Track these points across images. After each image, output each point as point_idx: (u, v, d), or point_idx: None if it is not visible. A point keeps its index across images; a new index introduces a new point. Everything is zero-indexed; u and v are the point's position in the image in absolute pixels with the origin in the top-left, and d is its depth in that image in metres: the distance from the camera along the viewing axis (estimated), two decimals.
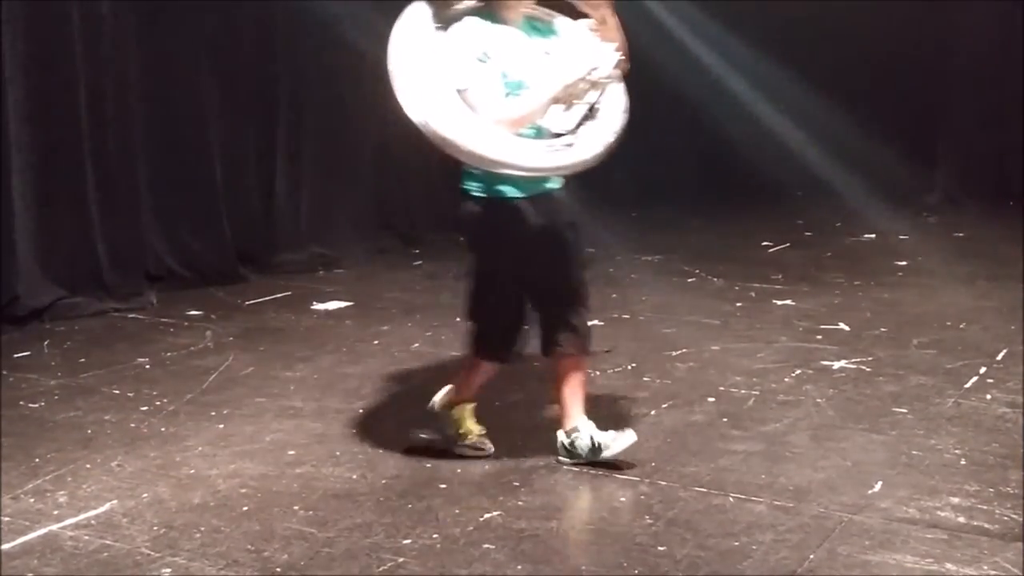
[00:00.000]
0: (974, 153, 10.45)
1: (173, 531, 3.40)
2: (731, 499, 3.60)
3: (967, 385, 4.76)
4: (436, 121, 3.54)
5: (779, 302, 6.42)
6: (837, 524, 3.39)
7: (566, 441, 3.88)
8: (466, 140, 3.53)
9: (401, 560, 3.19)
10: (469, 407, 4.05)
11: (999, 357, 5.20)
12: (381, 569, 3.14)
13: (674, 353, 5.32)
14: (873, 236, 8.59)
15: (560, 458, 3.89)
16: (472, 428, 4.03)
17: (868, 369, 5.02)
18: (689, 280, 7.12)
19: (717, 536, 3.32)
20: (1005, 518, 3.42)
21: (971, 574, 3.07)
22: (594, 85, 3.71)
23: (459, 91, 3.56)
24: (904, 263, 7.53)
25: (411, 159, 8.68)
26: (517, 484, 3.74)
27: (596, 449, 3.81)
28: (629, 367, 5.10)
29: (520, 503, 3.58)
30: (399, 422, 4.37)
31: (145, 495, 3.68)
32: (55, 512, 3.54)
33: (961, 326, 5.78)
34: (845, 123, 10.92)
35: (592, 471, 3.83)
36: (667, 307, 6.33)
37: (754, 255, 7.99)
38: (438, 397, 4.06)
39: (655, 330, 5.82)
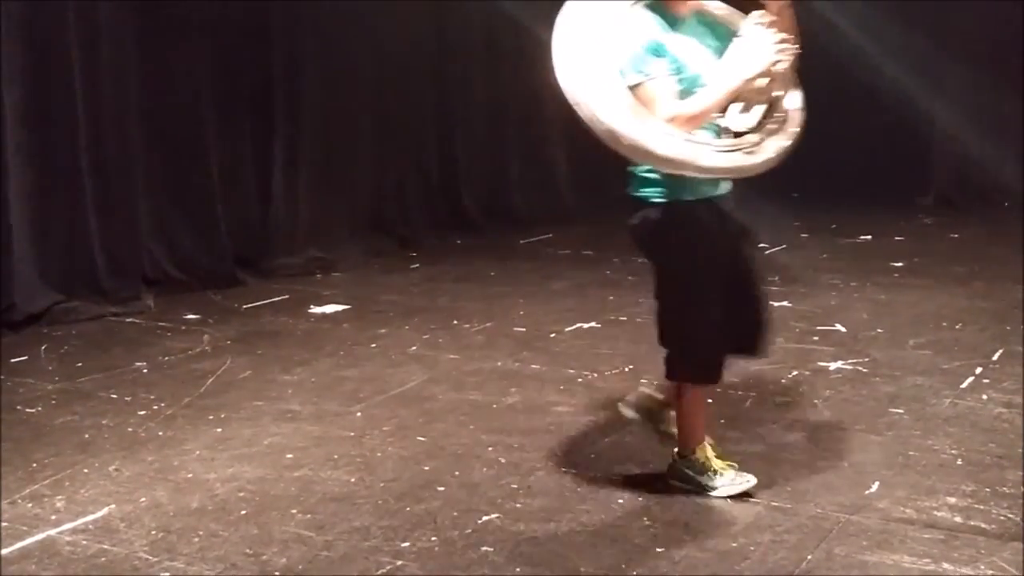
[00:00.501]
0: (969, 154, 10.46)
1: (171, 535, 3.40)
2: (729, 500, 3.60)
3: (963, 385, 4.76)
4: (610, 119, 3.30)
5: (776, 303, 6.41)
6: (834, 525, 3.40)
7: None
8: (644, 139, 3.28)
9: (400, 563, 3.20)
10: (707, 445, 3.71)
11: (995, 357, 5.20)
12: (380, 572, 3.15)
13: None
14: (869, 237, 8.60)
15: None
16: (720, 464, 3.69)
17: (865, 370, 5.03)
18: None
19: (715, 537, 3.33)
20: (1002, 518, 3.42)
21: (968, 574, 3.07)
22: (773, 80, 3.45)
23: (631, 87, 3.33)
24: (900, 264, 7.54)
25: (408, 162, 8.72)
26: (515, 487, 3.74)
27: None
28: (627, 369, 5.11)
29: (518, 505, 3.59)
30: (397, 426, 4.37)
31: (143, 499, 3.68)
32: (53, 517, 3.54)
33: (957, 327, 5.79)
34: (841, 124, 10.93)
35: (591, 473, 3.84)
36: None
37: None
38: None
39: (652, 332, 5.77)
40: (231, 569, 3.18)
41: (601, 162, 11.09)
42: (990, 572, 3.07)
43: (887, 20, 10.00)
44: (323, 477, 3.86)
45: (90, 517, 3.54)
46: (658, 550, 3.25)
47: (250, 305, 6.55)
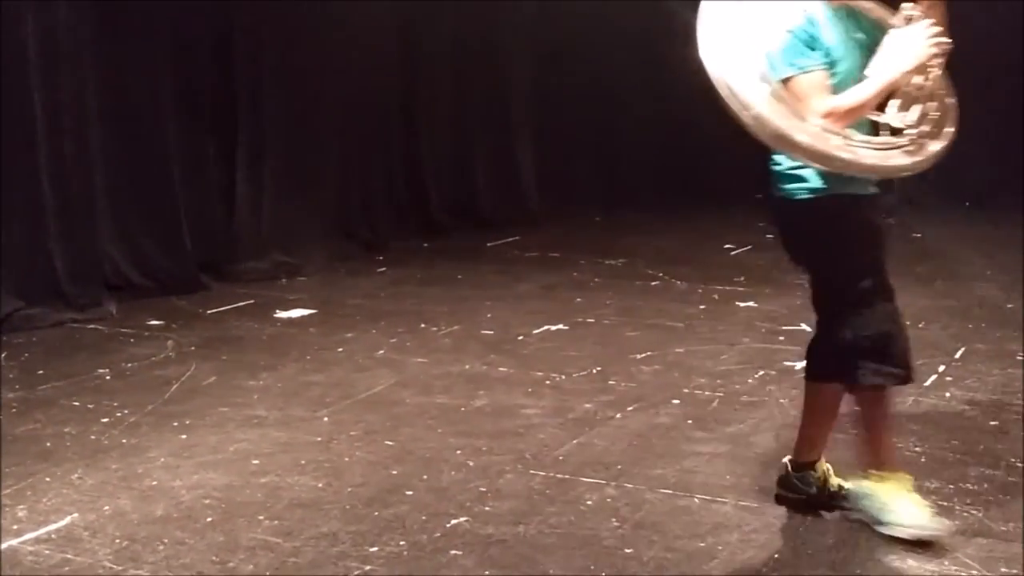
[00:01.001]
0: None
1: (136, 544, 3.37)
2: (697, 500, 3.61)
3: (926, 384, 4.80)
4: (764, 114, 3.18)
5: (742, 304, 6.46)
6: (802, 523, 3.41)
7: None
8: (798, 135, 3.16)
9: (368, 568, 3.18)
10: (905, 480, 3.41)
11: (957, 356, 5.26)
12: None
13: (639, 356, 5.34)
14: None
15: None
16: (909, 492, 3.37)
17: None
18: (653, 283, 7.14)
19: (684, 537, 3.33)
20: (965, 514, 3.45)
21: (933, 569, 3.10)
22: (930, 75, 3.35)
23: (783, 80, 3.21)
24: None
25: (374, 166, 8.70)
26: (484, 490, 3.73)
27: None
28: (594, 371, 5.12)
29: (487, 508, 3.58)
30: (364, 430, 4.35)
31: (107, 508, 3.64)
32: (15, 527, 3.49)
33: (920, 325, 5.83)
34: None
35: (559, 475, 3.84)
36: (631, 310, 6.35)
37: (717, 258, 8.04)
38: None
39: (619, 333, 5.84)
40: None
41: (567, 164, 11.19)
42: (954, 568, 3.10)
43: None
44: (290, 483, 3.83)
45: (53, 526, 3.50)
46: (627, 551, 3.25)
47: (215, 310, 6.51)
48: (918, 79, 3.32)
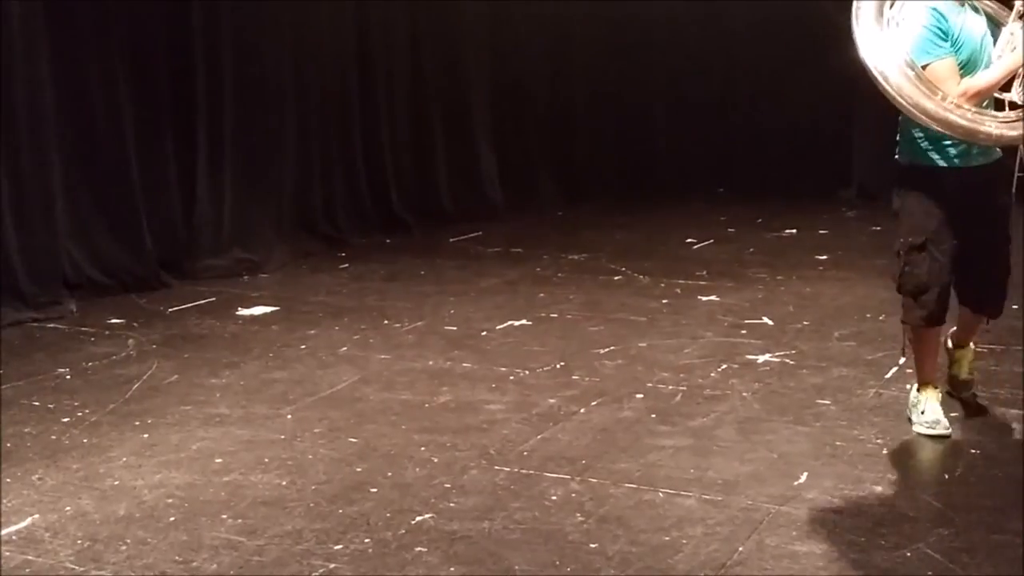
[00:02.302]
0: (889, 148, 10.65)
1: (98, 544, 3.34)
2: (661, 494, 3.63)
3: (887, 376, 4.85)
4: (908, 93, 3.89)
5: (704, 298, 6.49)
6: (765, 516, 3.44)
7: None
8: (935, 110, 3.87)
9: (333, 566, 3.17)
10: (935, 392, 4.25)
11: None
12: (313, 575, 3.12)
13: (602, 351, 5.36)
14: (794, 231, 8.72)
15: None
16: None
17: (792, 362, 5.10)
18: (615, 278, 7.16)
19: (648, 531, 3.35)
20: (927, 505, 3.49)
21: (896, 560, 3.13)
22: None
23: (923, 66, 3.92)
24: (824, 257, 7.66)
25: (335, 162, 8.66)
26: (448, 486, 3.73)
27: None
28: (558, 365, 5.12)
29: (452, 505, 3.58)
30: (328, 427, 4.34)
31: (68, 508, 3.61)
32: None
33: (880, 318, 5.89)
34: (764, 120, 11.08)
35: (523, 471, 3.85)
36: (594, 305, 6.37)
37: (678, 252, 8.07)
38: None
39: (582, 328, 5.85)
40: None
41: (528, 160, 11.18)
42: (917, 558, 3.13)
43: (798, 16, 10.13)
44: (253, 481, 3.81)
45: (13, 527, 3.46)
46: (592, 546, 3.26)
47: (176, 308, 6.45)
48: None
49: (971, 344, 4.51)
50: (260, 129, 7.85)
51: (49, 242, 6.47)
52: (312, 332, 5.85)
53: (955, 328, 4.49)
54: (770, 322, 5.87)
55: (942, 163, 4.05)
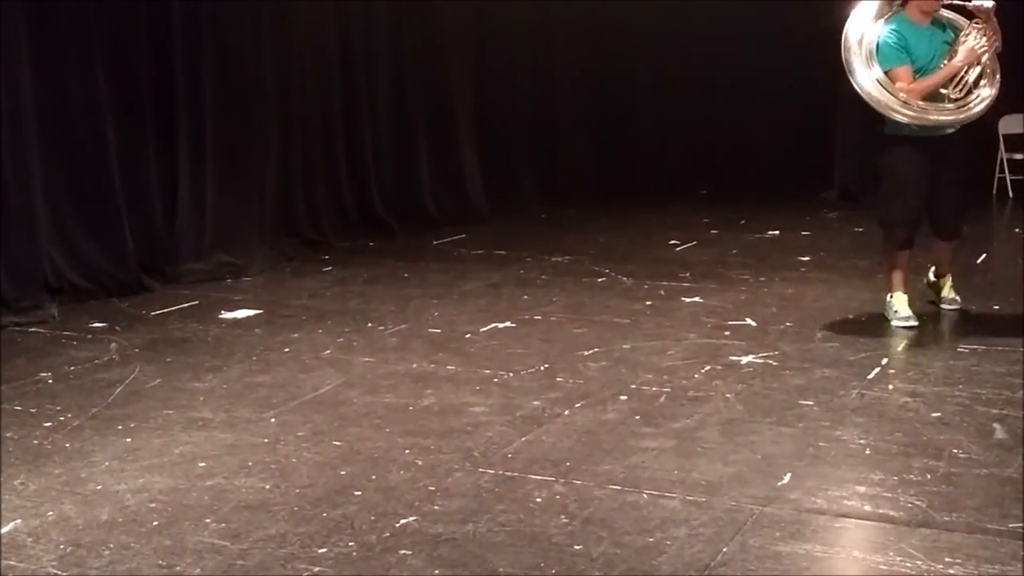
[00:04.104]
0: (870, 149, 10.70)
1: (80, 549, 3.32)
2: (645, 496, 3.63)
3: (870, 376, 4.87)
4: (872, 90, 5.41)
5: (687, 299, 6.51)
6: (748, 517, 3.45)
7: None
8: (889, 102, 5.41)
9: (317, 570, 3.16)
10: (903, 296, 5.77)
11: (899, 348, 5.34)
12: None
13: (586, 353, 5.36)
14: (777, 232, 8.76)
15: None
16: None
17: (775, 363, 5.12)
18: (599, 280, 7.18)
19: (632, 533, 3.35)
20: (909, 505, 3.50)
21: (878, 560, 3.14)
22: (982, 64, 5.44)
23: (886, 71, 5.42)
24: (807, 258, 7.69)
25: (317, 165, 8.65)
26: (432, 489, 3.73)
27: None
28: (541, 368, 5.13)
29: (436, 507, 3.57)
30: (311, 431, 4.33)
31: (50, 513, 3.59)
32: None
33: (863, 319, 5.92)
34: (747, 122, 11.12)
35: (507, 473, 3.85)
36: (577, 307, 6.38)
37: (662, 254, 8.09)
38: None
39: (566, 330, 5.86)
40: None
41: (511, 163, 11.20)
42: (899, 559, 3.14)
43: (789, 20, 10.17)
44: (237, 485, 3.80)
45: None
46: (576, 548, 3.26)
47: (158, 312, 6.44)
48: (976, 66, 5.45)
49: (948, 273, 6.05)
50: (242, 132, 7.84)
51: (30, 246, 6.45)
52: (295, 335, 5.84)
53: (933, 266, 6.07)
54: (753, 323, 5.89)
55: (922, 134, 5.52)
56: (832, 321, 5.87)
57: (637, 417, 4.41)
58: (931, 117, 5.43)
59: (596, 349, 5.42)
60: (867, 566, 3.12)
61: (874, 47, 5.44)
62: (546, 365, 5.17)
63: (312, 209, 8.58)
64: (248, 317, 6.33)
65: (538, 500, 3.62)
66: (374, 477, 3.84)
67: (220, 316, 6.34)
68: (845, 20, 5.55)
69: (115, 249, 6.92)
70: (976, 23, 5.45)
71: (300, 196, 8.46)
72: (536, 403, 4.61)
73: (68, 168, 6.77)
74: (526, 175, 10.76)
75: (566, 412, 4.50)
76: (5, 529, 3.47)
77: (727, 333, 5.68)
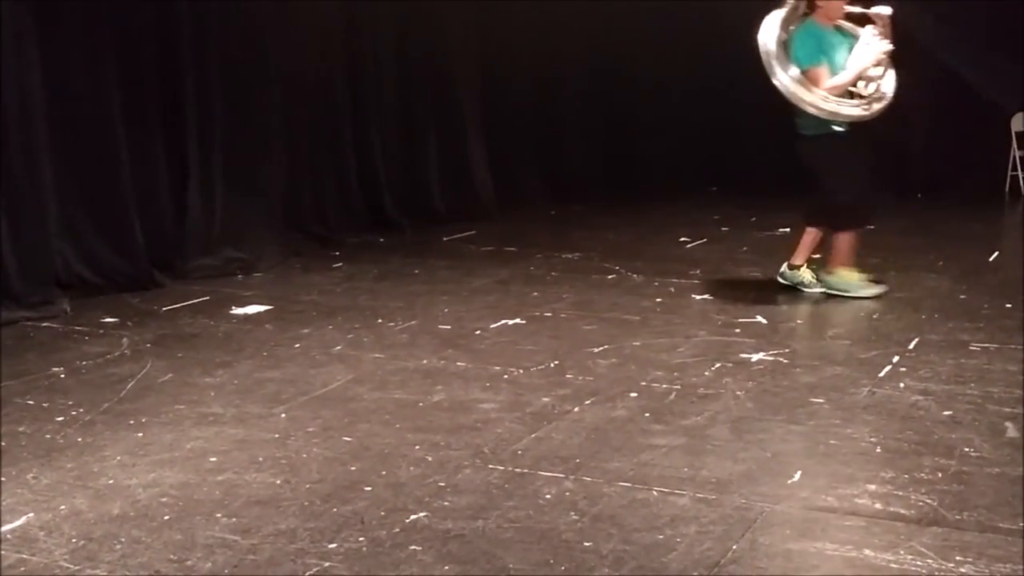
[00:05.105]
0: (878, 147, 10.68)
1: (92, 543, 3.34)
2: (655, 493, 3.63)
3: (881, 374, 4.86)
4: (793, 88, 5.90)
5: (697, 297, 6.51)
6: (758, 515, 3.44)
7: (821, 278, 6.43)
8: (811, 99, 5.89)
9: (327, 565, 3.17)
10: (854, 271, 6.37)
11: (911, 346, 5.32)
12: (307, 574, 3.12)
13: (595, 350, 5.36)
14: (787, 230, 8.72)
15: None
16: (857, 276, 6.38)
17: (785, 361, 5.11)
18: (608, 277, 7.17)
19: (642, 530, 3.35)
20: (920, 503, 3.50)
21: (889, 559, 3.14)
22: (880, 67, 6.03)
23: (804, 71, 5.93)
24: (817, 256, 7.66)
25: (326, 161, 8.66)
26: (442, 485, 3.73)
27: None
28: (551, 364, 5.13)
29: (446, 503, 3.58)
30: (321, 426, 4.34)
31: (62, 507, 3.61)
32: None
33: (874, 317, 5.91)
34: (755, 120, 11.09)
35: (517, 469, 3.85)
36: (587, 304, 6.38)
37: (671, 251, 8.08)
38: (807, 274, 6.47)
39: (576, 327, 5.86)
40: (155, 575, 3.13)
41: (520, 159, 11.18)
42: (910, 557, 3.14)
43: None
44: (247, 480, 3.81)
45: (8, 526, 3.46)
46: (586, 544, 3.27)
47: (169, 307, 6.45)
48: (876, 69, 6.04)
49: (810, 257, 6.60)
50: (251, 128, 7.84)
51: (41, 242, 6.47)
52: (305, 331, 5.85)
53: (802, 247, 6.53)
54: (763, 321, 5.89)
55: (839, 130, 6.08)
56: (843, 318, 5.87)
57: (647, 414, 4.41)
58: (846, 112, 5.96)
59: (606, 346, 5.42)
60: (877, 565, 3.11)
61: (792, 49, 5.94)
62: (555, 362, 5.17)
63: (321, 205, 8.59)
64: (258, 313, 6.34)
65: (547, 497, 3.62)
66: (384, 473, 3.85)
67: (230, 312, 6.35)
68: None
69: (125, 244, 6.94)
70: (874, 29, 6.01)
71: (309, 192, 8.47)
72: (545, 400, 4.61)
73: (78, 164, 6.79)
74: (535, 172, 10.75)
75: (576, 409, 4.50)
76: (18, 523, 3.48)
77: (737, 330, 5.68)
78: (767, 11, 6.16)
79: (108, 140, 6.89)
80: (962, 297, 6.36)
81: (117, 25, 6.93)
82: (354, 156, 8.94)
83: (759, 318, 5.94)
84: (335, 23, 8.71)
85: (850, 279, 6.33)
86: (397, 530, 3.39)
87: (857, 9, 6.10)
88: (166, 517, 3.51)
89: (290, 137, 8.22)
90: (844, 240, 6.32)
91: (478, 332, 5.77)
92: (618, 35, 11.09)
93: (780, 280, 6.49)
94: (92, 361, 5.32)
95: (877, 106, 6.05)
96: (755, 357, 5.18)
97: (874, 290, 6.30)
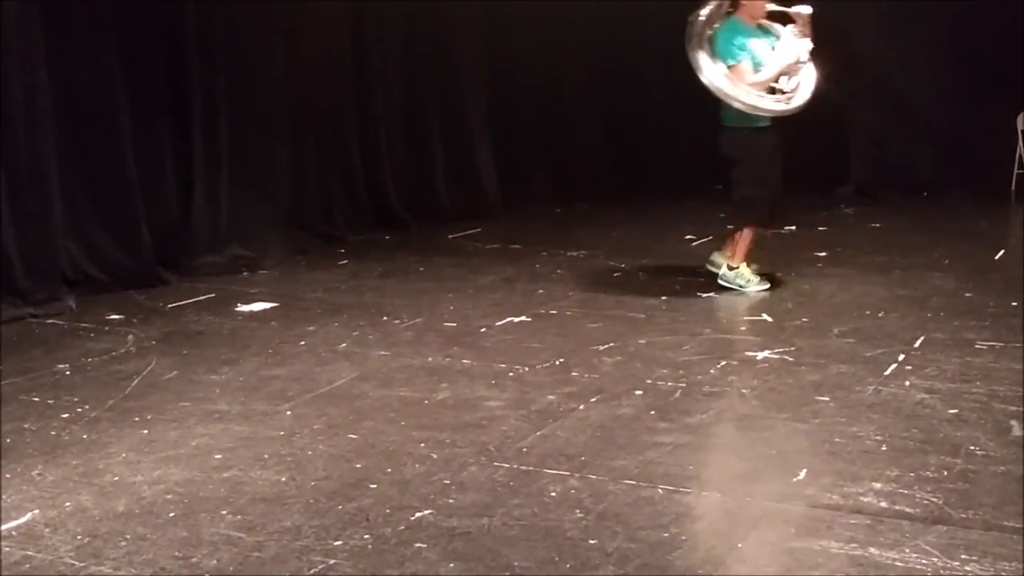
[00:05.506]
0: (885, 146, 10.68)
1: (97, 540, 3.34)
2: (660, 491, 3.63)
3: (886, 372, 4.86)
4: (719, 83, 6.06)
5: (702, 294, 6.50)
6: (763, 512, 3.44)
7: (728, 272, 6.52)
8: (736, 93, 6.07)
9: (332, 562, 3.17)
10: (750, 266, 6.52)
11: (916, 344, 5.31)
12: (312, 572, 3.12)
13: (601, 347, 5.36)
14: (793, 228, 8.72)
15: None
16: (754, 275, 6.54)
17: (790, 359, 5.10)
18: (614, 275, 7.17)
19: (647, 528, 3.35)
20: (925, 502, 3.49)
21: (894, 557, 3.13)
22: (800, 64, 6.19)
23: (729, 66, 6.10)
24: (823, 254, 7.66)
25: (332, 159, 8.65)
26: (447, 482, 3.73)
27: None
28: (556, 362, 5.13)
29: (451, 501, 3.58)
30: (327, 424, 4.34)
31: (68, 504, 3.61)
32: None
33: (879, 315, 5.90)
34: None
35: (522, 467, 3.85)
36: (592, 302, 6.37)
37: (677, 249, 8.07)
38: (719, 260, 6.62)
39: (581, 325, 5.86)
40: (160, 572, 3.13)
41: (526, 157, 11.16)
42: (915, 555, 3.13)
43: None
44: (252, 477, 3.81)
45: (13, 523, 3.46)
46: (591, 542, 3.27)
47: (174, 305, 6.46)
48: (795, 65, 6.18)
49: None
50: (257, 125, 7.84)
51: (47, 239, 6.48)
52: (311, 329, 5.85)
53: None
54: (769, 319, 5.88)
55: (763, 124, 6.30)
56: (848, 317, 5.85)
57: (652, 412, 4.41)
58: (768, 107, 6.17)
59: (611, 344, 5.42)
60: (883, 563, 3.11)
61: (716, 45, 6.11)
62: (561, 359, 5.17)
63: (327, 203, 8.58)
64: (263, 310, 6.34)
65: (553, 494, 3.62)
66: (389, 470, 3.85)
67: (236, 309, 6.36)
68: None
69: (131, 242, 6.95)
70: (794, 28, 6.19)
71: (315, 190, 8.47)
72: (551, 397, 4.61)
73: (84, 161, 6.80)
74: (540, 169, 10.73)
75: (581, 407, 4.50)
76: (23, 520, 3.49)
77: (743, 328, 5.68)
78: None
79: (114, 137, 6.90)
80: (968, 295, 6.34)
81: (123, 23, 6.94)
82: (360, 154, 8.94)
83: (764, 316, 5.94)
84: (342, 21, 8.71)
85: (746, 275, 6.45)
86: (402, 528, 3.39)
87: (778, 8, 6.25)
88: (171, 514, 3.51)
89: (296, 135, 8.22)
90: (745, 235, 6.43)
91: (483, 330, 5.77)
92: (625, 33, 11.06)
93: (721, 283, 6.52)
94: (97, 358, 5.33)
95: (797, 101, 6.20)
96: (760, 355, 5.18)
97: (766, 286, 6.46)
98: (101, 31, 6.81)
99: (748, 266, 6.49)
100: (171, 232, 7.32)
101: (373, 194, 9.05)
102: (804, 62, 6.21)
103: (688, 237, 8.44)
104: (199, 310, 6.35)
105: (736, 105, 6.11)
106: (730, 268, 6.49)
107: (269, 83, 7.95)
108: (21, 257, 6.24)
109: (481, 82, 10.00)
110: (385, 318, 6.06)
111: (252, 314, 6.26)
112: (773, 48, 6.24)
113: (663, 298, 6.41)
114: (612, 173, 11.16)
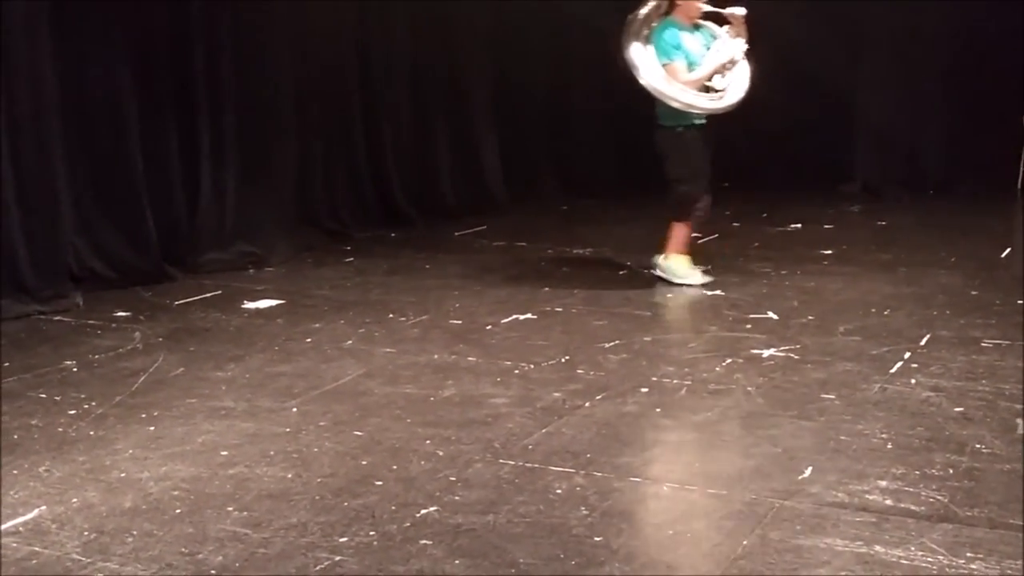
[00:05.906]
0: (891, 144, 10.67)
1: (104, 536, 3.35)
2: (665, 488, 3.63)
3: (892, 370, 4.85)
4: (655, 82, 6.23)
5: (708, 292, 6.50)
6: (769, 510, 3.44)
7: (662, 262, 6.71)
8: (670, 92, 6.24)
9: (338, 559, 3.18)
10: (687, 258, 6.69)
11: (922, 342, 5.31)
12: (318, 568, 3.13)
13: (606, 345, 5.36)
14: (799, 226, 8.72)
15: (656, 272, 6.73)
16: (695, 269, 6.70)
17: (796, 357, 5.10)
18: (619, 272, 7.17)
19: (652, 525, 3.36)
20: (931, 500, 3.49)
21: (899, 555, 3.13)
22: (734, 64, 6.40)
23: (664, 65, 6.27)
24: (829, 252, 7.66)
25: (338, 156, 8.66)
26: (453, 479, 3.74)
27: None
28: (562, 360, 5.13)
29: (456, 498, 3.59)
30: (332, 421, 4.35)
31: (74, 500, 3.62)
32: None
33: (885, 313, 5.90)
34: (768, 116, 11.06)
35: (527, 464, 3.85)
36: (598, 299, 6.37)
37: None
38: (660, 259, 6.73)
39: (586, 322, 5.86)
40: (166, 569, 3.14)
41: (531, 154, 11.16)
42: (920, 553, 3.14)
43: (809, 13, 10.13)
44: (258, 474, 3.82)
45: (20, 519, 3.48)
46: (596, 539, 3.27)
47: (181, 301, 6.47)
48: (728, 64, 6.38)
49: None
50: (263, 122, 7.85)
51: (54, 236, 6.48)
52: (316, 326, 5.86)
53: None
54: (774, 317, 5.88)
55: (698, 122, 6.46)
56: (854, 314, 5.85)
57: (657, 410, 4.41)
58: (702, 105, 6.33)
59: (616, 341, 5.42)
60: (888, 561, 3.11)
61: (653, 44, 6.28)
62: (566, 357, 5.17)
63: (333, 200, 8.59)
64: (270, 307, 6.35)
65: (558, 492, 3.63)
66: (395, 467, 3.86)
67: (242, 306, 6.37)
68: None
69: (138, 239, 6.95)
70: (729, 28, 6.42)
71: (321, 187, 8.48)
72: (556, 395, 4.61)
73: (91, 158, 6.81)
74: (546, 167, 10.74)
75: (586, 404, 4.50)
76: (30, 516, 3.50)
77: (748, 326, 5.67)
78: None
79: (121, 134, 6.91)
80: (974, 293, 6.34)
81: (130, 18, 6.94)
82: (365, 151, 8.95)
83: (770, 314, 5.94)
84: (347, 17, 8.71)
85: (682, 266, 6.63)
86: (408, 524, 3.39)
87: (712, 8, 6.47)
88: (177, 510, 3.52)
89: (302, 131, 8.23)
90: (681, 228, 6.64)
91: (489, 327, 5.78)
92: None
93: (656, 273, 6.73)
94: (104, 355, 5.34)
95: (729, 100, 6.36)
96: (766, 353, 5.18)
97: (703, 279, 6.62)
98: (108, 29, 6.82)
99: (688, 260, 6.67)
100: (177, 229, 7.34)
101: (379, 191, 9.06)
102: (738, 61, 6.41)
103: (694, 235, 8.42)
104: (206, 307, 6.36)
105: (671, 103, 6.26)
106: (665, 259, 6.69)
107: (275, 81, 7.96)
108: (28, 254, 6.25)
109: (487, 79, 10.01)
110: (391, 315, 6.07)
111: (258, 311, 6.27)
112: (708, 47, 6.43)
113: (668, 296, 6.42)
114: (618, 170, 11.16)
